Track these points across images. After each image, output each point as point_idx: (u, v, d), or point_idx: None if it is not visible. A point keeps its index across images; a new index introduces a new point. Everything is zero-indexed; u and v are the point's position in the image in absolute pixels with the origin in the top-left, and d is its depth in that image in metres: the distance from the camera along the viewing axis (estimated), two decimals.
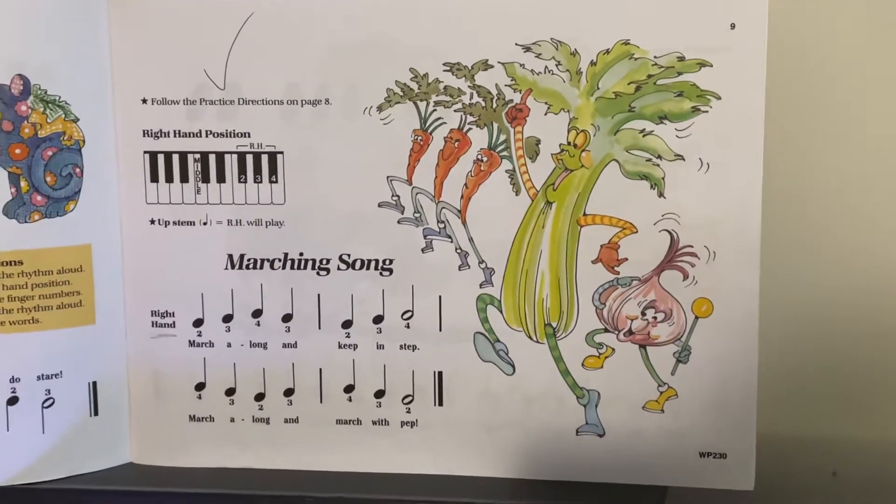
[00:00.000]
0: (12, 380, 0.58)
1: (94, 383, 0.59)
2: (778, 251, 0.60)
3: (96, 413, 0.60)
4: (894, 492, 0.67)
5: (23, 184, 0.54)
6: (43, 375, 0.58)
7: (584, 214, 0.56)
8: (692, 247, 0.55)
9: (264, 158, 0.57)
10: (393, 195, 0.57)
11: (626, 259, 0.56)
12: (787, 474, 0.67)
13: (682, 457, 0.57)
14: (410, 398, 0.59)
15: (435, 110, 0.56)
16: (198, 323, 0.60)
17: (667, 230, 0.55)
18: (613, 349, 0.57)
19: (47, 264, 0.57)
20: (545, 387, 0.58)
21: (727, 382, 0.56)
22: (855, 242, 0.65)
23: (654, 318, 0.56)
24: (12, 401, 0.58)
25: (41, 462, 0.59)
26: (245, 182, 0.58)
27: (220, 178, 0.58)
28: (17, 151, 0.54)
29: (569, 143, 0.55)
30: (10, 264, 0.56)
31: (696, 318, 0.56)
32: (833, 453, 0.68)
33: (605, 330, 0.57)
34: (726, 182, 0.54)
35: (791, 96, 0.60)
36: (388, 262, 0.58)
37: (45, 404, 0.58)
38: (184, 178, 0.58)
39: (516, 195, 0.56)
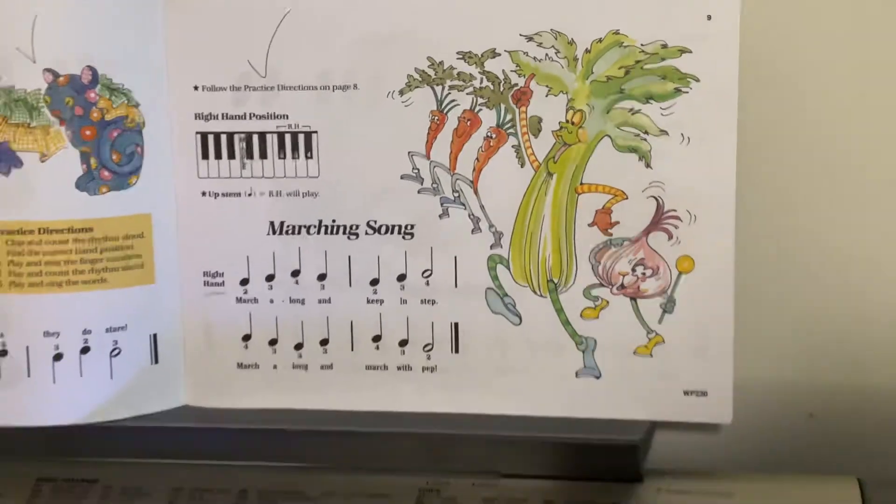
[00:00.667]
0: (84, 332, 0.62)
1: (155, 335, 0.64)
2: (753, 212, 0.63)
3: (156, 361, 0.65)
4: (869, 433, 0.70)
5: (92, 161, 0.60)
6: (111, 328, 0.63)
7: (581, 183, 0.60)
8: (676, 211, 0.59)
9: (301, 137, 0.62)
10: (413, 168, 0.61)
11: (618, 222, 0.60)
12: (765, 417, 0.70)
13: (668, 395, 0.61)
14: (430, 346, 0.64)
15: (449, 93, 0.60)
16: (244, 282, 0.64)
17: (653, 196, 0.59)
18: (608, 301, 0.61)
19: (113, 231, 0.62)
20: (548, 335, 0.62)
21: (707, 329, 0.61)
22: (828, 203, 0.67)
23: (643, 274, 0.60)
24: (84, 350, 0.62)
25: (109, 404, 0.64)
26: (284, 158, 0.62)
27: (263, 155, 0.62)
28: (87, 133, 0.60)
29: (567, 121, 0.59)
30: (82, 231, 0.61)
31: (680, 273, 0.60)
32: (810, 397, 0.70)
33: (600, 285, 0.61)
34: (705, 154, 0.58)
35: (762, 78, 0.63)
36: (409, 227, 0.62)
37: (113, 353, 0.63)
38: (231, 156, 0.63)
39: (521, 167, 0.60)
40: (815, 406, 0.70)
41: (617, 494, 0.62)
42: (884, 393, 0.69)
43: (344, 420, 0.64)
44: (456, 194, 0.62)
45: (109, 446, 0.66)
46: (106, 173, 0.61)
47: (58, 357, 0.62)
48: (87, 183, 0.60)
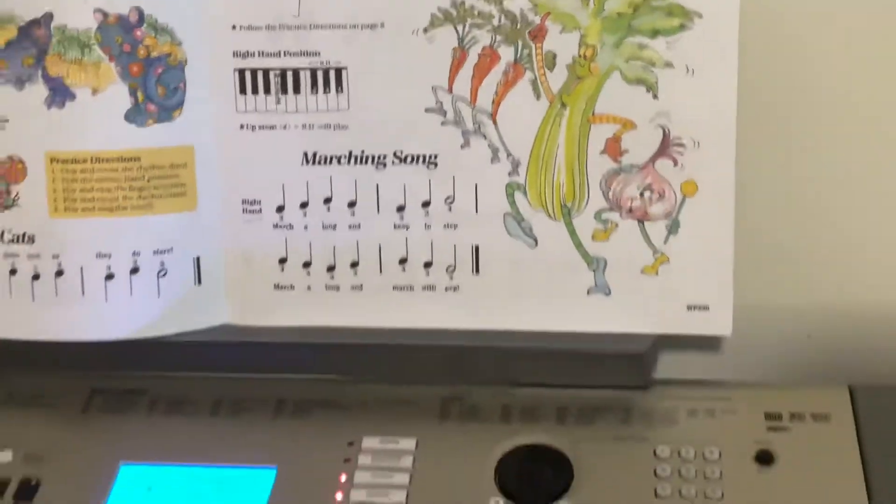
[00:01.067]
0: (134, 254, 0.66)
1: (198, 258, 0.67)
2: (754, 140, 0.64)
3: (199, 282, 0.67)
4: (863, 351, 0.72)
5: (139, 95, 0.63)
6: (158, 250, 0.66)
7: (593, 114, 0.62)
8: (681, 139, 0.62)
9: (332, 73, 0.64)
10: (436, 102, 0.64)
11: (628, 150, 0.63)
12: (764, 337, 0.72)
13: (673, 310, 0.64)
14: (452, 268, 0.66)
15: (470, 31, 0.62)
16: (280, 209, 0.67)
17: (660, 126, 0.62)
18: (617, 224, 0.64)
19: (159, 161, 0.65)
20: (562, 257, 0.65)
21: (709, 249, 0.63)
22: (826, 130, 0.68)
23: (650, 198, 0.63)
24: (134, 270, 0.66)
25: (157, 321, 0.67)
26: (316, 93, 0.65)
27: (296, 90, 0.65)
28: (135, 69, 0.63)
29: (580, 56, 0.62)
30: (131, 160, 0.64)
31: (685, 197, 0.63)
32: (808, 318, 0.72)
33: (611, 209, 0.64)
34: (708, 85, 0.61)
35: (762, 14, 0.64)
36: (433, 157, 0.65)
37: (160, 274, 0.66)
38: (267, 91, 0.65)
39: (537, 100, 0.63)
40: (813, 327, 0.73)
41: (625, 401, 0.66)
42: (877, 312, 0.72)
43: (373, 335, 0.67)
44: (476, 126, 0.64)
45: (157, 360, 0.69)
46: (152, 107, 0.64)
47: (109, 277, 0.66)
48: (135, 116, 0.64)
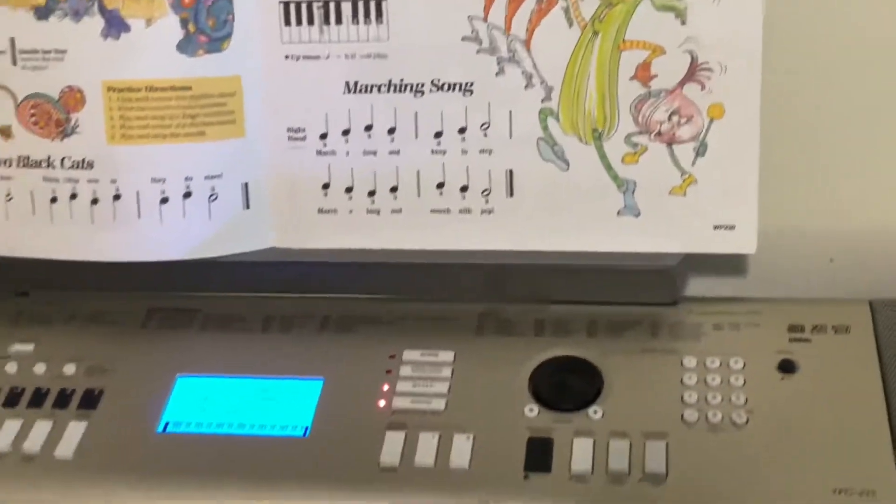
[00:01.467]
0: (186, 178, 0.68)
1: (246, 184, 0.69)
2: (780, 63, 0.65)
3: (248, 207, 0.70)
4: (885, 274, 0.73)
5: (190, 27, 0.66)
6: (208, 176, 0.68)
7: (624, 41, 0.64)
8: (708, 63, 0.63)
9: (372, 5, 0.66)
10: (472, 31, 0.65)
11: (657, 75, 0.64)
12: (787, 262, 0.73)
13: (700, 229, 0.66)
14: (488, 191, 0.68)
15: None
16: (323, 136, 0.68)
17: (688, 51, 0.63)
18: (646, 147, 0.65)
19: (209, 90, 0.67)
20: (593, 179, 0.66)
21: (735, 170, 0.64)
22: (852, 54, 0.69)
23: (679, 121, 0.64)
24: (187, 195, 0.68)
25: (208, 242, 0.69)
26: (357, 24, 0.66)
27: (338, 21, 0.66)
28: (186, 1, 0.65)
29: None
30: (182, 89, 0.67)
31: (711, 120, 0.64)
32: (831, 242, 0.73)
33: (640, 132, 0.65)
34: (734, 10, 0.62)
35: None
36: (469, 84, 0.66)
37: (211, 198, 0.69)
38: (310, 22, 0.67)
39: (570, 27, 0.64)
40: (835, 251, 0.74)
41: (653, 316, 0.68)
42: None
43: (412, 256, 0.69)
44: (510, 54, 0.65)
45: (209, 281, 0.73)
46: (202, 38, 0.66)
47: (164, 200, 0.68)
48: (186, 46, 0.66)
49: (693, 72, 0.64)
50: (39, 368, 0.70)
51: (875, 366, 0.63)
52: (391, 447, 0.63)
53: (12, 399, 0.68)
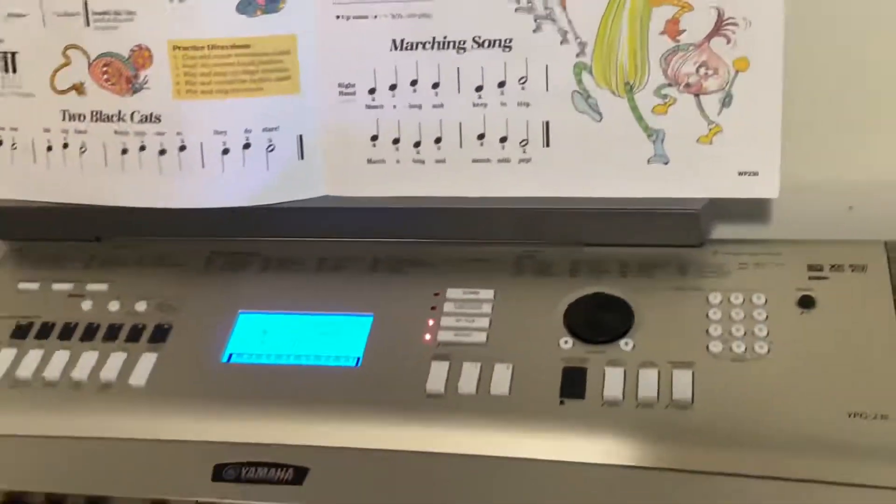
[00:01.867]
0: (246, 131, 0.71)
1: (301, 136, 0.72)
2: (802, 19, 0.67)
3: (302, 157, 0.73)
4: None
5: None
6: (266, 128, 0.71)
7: None
8: (734, 18, 0.65)
9: None
10: None
11: (685, 30, 0.66)
12: (808, 207, 0.74)
13: (725, 176, 0.68)
14: (525, 142, 0.70)
15: None
16: (371, 91, 0.71)
17: (715, 7, 0.65)
18: (675, 99, 0.67)
19: (266, 48, 0.70)
20: (624, 129, 0.69)
21: (759, 119, 0.66)
22: (873, 11, 0.69)
23: (706, 73, 0.67)
24: (246, 146, 0.72)
25: (266, 190, 0.73)
26: None
27: None
28: None
29: None
30: (242, 48, 0.70)
31: (737, 72, 0.66)
32: (850, 190, 0.74)
33: (669, 85, 0.67)
34: None
35: None
36: (508, 41, 0.69)
37: (268, 149, 0.72)
38: None
39: None
40: (854, 199, 0.75)
41: (681, 257, 0.70)
42: None
43: (455, 202, 0.72)
44: (547, 11, 0.68)
45: (266, 226, 0.75)
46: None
47: (225, 151, 0.72)
48: (245, 7, 0.69)
49: (719, 26, 0.66)
50: (113, 306, 0.74)
51: (889, 301, 0.66)
52: (436, 376, 0.66)
53: (89, 333, 0.72)
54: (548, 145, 0.71)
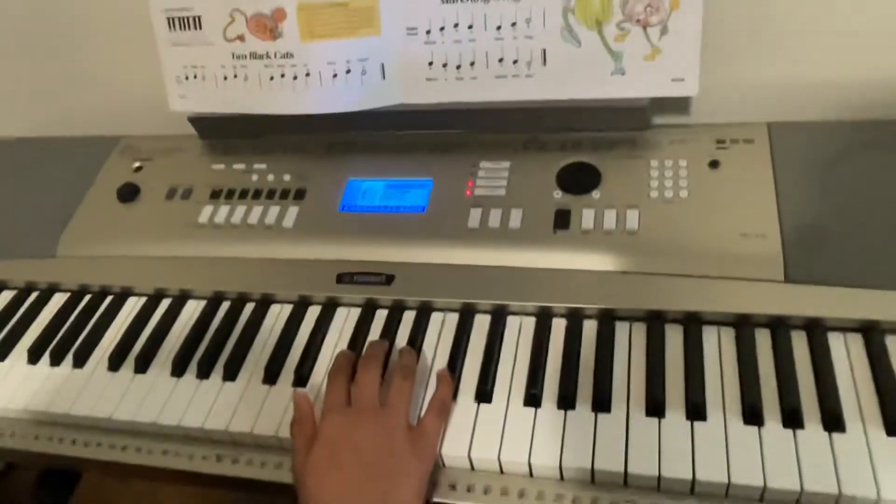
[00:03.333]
0: (347, 61, 0.70)
1: (383, 64, 0.70)
2: None
3: (384, 78, 0.70)
4: (776, 107, 0.68)
5: None
6: (360, 59, 0.70)
7: None
8: None
9: None
10: None
11: None
12: (716, 100, 0.68)
13: (662, 82, 0.65)
14: (530, 62, 0.67)
15: None
16: (428, 32, 0.68)
17: None
18: (630, 30, 0.64)
19: (359, 5, 0.68)
20: (596, 53, 0.65)
21: (686, 43, 0.63)
22: None
23: (651, 11, 0.64)
24: (348, 71, 0.70)
25: (361, 100, 0.70)
26: None
27: None
28: None
29: None
30: (343, 6, 0.68)
31: (671, 10, 0.63)
32: (743, 86, 0.69)
33: (626, 21, 0.64)
34: None
35: None
36: None
37: (362, 74, 0.70)
38: None
39: None
40: (746, 92, 0.70)
41: (632, 137, 0.68)
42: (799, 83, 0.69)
43: (484, 105, 0.70)
44: None
45: (362, 123, 0.74)
46: None
47: (335, 75, 0.71)
48: None
49: None
50: (270, 177, 0.75)
51: (768, 162, 0.64)
52: (474, 217, 0.66)
53: (256, 194, 0.73)
54: (545, 65, 0.68)
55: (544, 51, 0.68)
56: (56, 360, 0.68)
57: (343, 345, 0.64)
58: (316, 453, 0.51)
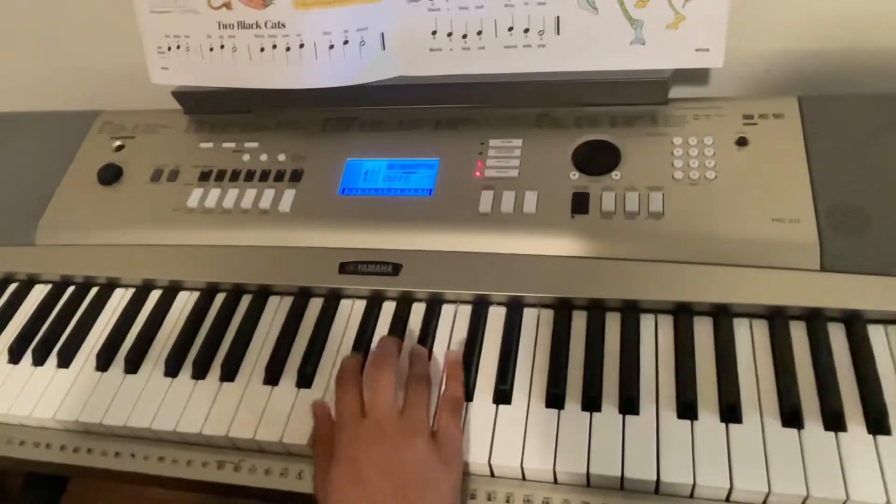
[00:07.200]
0: (345, 31, 0.64)
1: (383, 33, 0.65)
2: None
3: (384, 49, 0.65)
4: (808, 80, 0.65)
5: None
6: (359, 28, 0.64)
7: None
8: None
9: None
10: None
11: None
12: (743, 72, 0.66)
13: (686, 52, 0.59)
14: (542, 32, 0.62)
15: None
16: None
17: None
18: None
19: None
20: (615, 20, 0.60)
21: (712, 10, 0.58)
22: None
23: None
24: (345, 42, 0.64)
25: (360, 73, 0.65)
26: None
27: None
28: None
29: None
30: None
31: None
32: (770, 59, 0.66)
33: None
34: None
35: None
36: None
37: (361, 44, 0.64)
38: None
39: None
40: (771, 65, 0.67)
41: (653, 111, 0.63)
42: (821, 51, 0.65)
43: (492, 77, 0.65)
44: None
45: (362, 98, 0.68)
46: None
47: (331, 46, 0.64)
48: None
49: None
50: (263, 157, 0.69)
51: (800, 139, 0.59)
52: (485, 200, 0.61)
53: (249, 176, 0.67)
54: (558, 34, 0.62)
55: (558, 18, 0.62)
56: (39, 360, 0.62)
57: (348, 341, 0.59)
58: (337, 476, 0.47)
